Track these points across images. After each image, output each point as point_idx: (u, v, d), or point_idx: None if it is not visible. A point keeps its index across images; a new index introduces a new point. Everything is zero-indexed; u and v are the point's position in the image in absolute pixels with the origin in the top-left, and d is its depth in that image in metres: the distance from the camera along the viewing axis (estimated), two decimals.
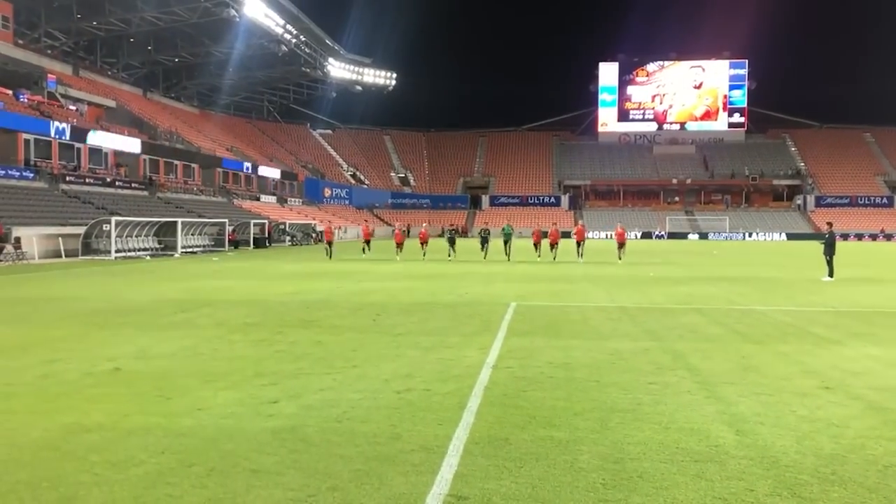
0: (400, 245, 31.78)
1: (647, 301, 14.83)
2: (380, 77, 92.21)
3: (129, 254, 33.40)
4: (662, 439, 5.36)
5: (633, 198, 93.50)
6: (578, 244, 29.94)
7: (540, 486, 4.40)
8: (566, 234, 46.33)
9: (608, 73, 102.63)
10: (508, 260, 28.88)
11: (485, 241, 31.63)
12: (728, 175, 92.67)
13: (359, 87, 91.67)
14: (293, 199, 74.69)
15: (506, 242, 30.88)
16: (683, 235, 79.02)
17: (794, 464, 4.84)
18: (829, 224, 21.91)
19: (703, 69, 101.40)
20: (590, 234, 77.49)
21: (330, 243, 33.10)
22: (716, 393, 6.82)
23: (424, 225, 38.19)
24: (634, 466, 4.77)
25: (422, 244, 31.96)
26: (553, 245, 30.17)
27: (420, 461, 4.84)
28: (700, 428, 5.65)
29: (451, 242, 31.55)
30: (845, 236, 69.53)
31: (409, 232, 61.96)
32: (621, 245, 29.64)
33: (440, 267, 25.85)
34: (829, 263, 20.72)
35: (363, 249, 33.39)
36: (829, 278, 20.35)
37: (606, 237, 73.00)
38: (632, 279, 20.61)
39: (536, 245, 31.40)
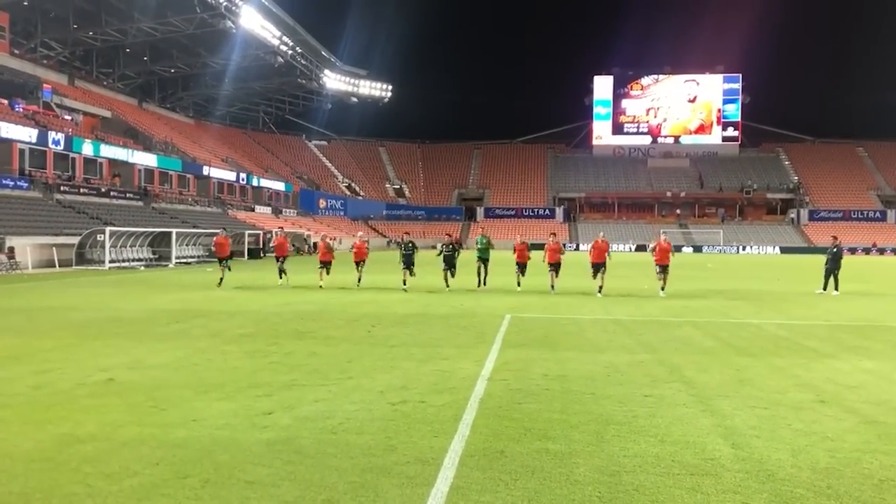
0: (359, 262, 21.89)
1: (642, 314, 14.84)
2: (375, 89, 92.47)
3: (123, 264, 33.28)
4: (658, 452, 5.35)
5: (628, 210, 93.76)
6: (597, 268, 19.65)
7: (536, 499, 4.39)
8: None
9: (603, 86, 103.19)
10: (483, 284, 20.65)
11: (450, 261, 20.93)
12: (722, 188, 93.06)
13: (354, 99, 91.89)
14: (288, 210, 74.66)
15: (482, 261, 20.99)
16: (677, 248, 78.72)
17: (789, 477, 4.84)
18: (835, 238, 21.88)
19: (698, 83, 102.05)
20: (583, 248, 77.73)
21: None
22: (711, 406, 6.82)
23: (359, 235, 25.22)
24: (630, 479, 4.77)
25: (356, 263, 21.83)
26: (552, 266, 20.07)
27: (416, 473, 4.82)
28: (695, 441, 5.65)
29: (408, 263, 20.65)
30: None
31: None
32: (664, 269, 19.65)
33: (433, 277, 25.69)
34: (836, 277, 20.74)
35: (280, 272, 22.64)
36: (828, 291, 20.41)
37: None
38: (627, 291, 20.61)
39: (521, 266, 20.81)
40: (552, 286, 20.05)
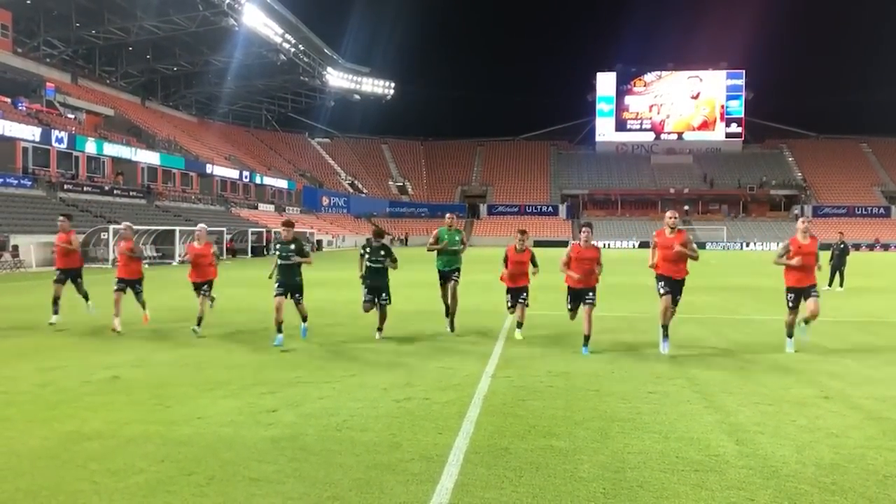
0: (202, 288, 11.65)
1: (645, 310, 14.82)
2: (378, 86, 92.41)
3: None
4: (662, 449, 5.35)
5: (631, 207, 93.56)
6: (675, 289, 10.02)
7: (540, 496, 4.39)
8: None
9: (605, 83, 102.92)
10: (452, 331, 11.48)
11: (377, 283, 10.71)
12: (725, 185, 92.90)
13: (357, 97, 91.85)
14: (291, 208, 74.72)
15: (448, 276, 11.79)
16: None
17: (794, 473, 4.84)
18: (842, 234, 21.88)
19: (701, 79, 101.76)
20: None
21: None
22: (715, 402, 6.82)
23: (198, 229, 12.19)
24: (635, 476, 4.77)
25: (197, 287, 11.80)
26: (576, 293, 10.16)
27: (420, 470, 4.83)
28: (700, 437, 5.65)
29: (288, 291, 11.05)
30: None
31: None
32: (808, 304, 9.57)
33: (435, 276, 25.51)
34: (841, 273, 20.74)
35: (85, 301, 13.64)
36: (833, 288, 20.38)
37: (604, 247, 72.74)
38: (630, 288, 20.60)
39: (517, 294, 11.18)
40: (585, 338, 9.65)
